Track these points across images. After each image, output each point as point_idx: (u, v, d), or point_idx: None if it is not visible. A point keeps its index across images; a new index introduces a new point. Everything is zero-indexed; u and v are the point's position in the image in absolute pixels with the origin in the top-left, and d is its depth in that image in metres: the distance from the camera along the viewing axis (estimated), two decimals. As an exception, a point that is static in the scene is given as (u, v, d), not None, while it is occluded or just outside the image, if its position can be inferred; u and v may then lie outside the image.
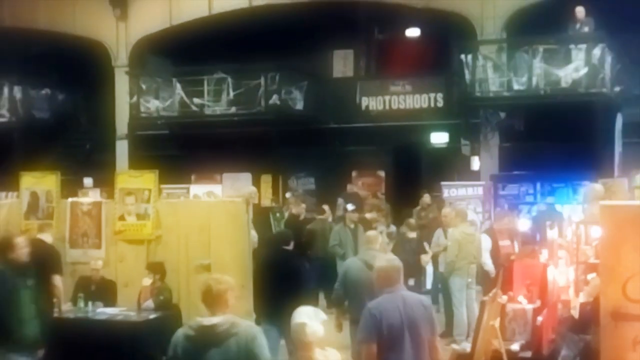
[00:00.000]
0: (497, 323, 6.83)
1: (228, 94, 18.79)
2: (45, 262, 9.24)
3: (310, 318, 5.34)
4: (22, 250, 7.85)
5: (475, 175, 17.93)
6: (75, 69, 20.27)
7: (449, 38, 18.52)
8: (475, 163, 18.34)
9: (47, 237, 10.03)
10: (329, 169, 19.62)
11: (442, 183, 16.69)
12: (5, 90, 20.59)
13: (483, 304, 6.75)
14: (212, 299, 5.24)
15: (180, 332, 5.36)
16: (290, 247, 9.27)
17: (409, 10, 18.58)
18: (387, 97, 19.63)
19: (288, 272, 8.93)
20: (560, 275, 7.90)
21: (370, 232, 9.66)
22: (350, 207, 14.08)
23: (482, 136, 18.02)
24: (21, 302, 7.71)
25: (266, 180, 18.97)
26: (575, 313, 7.11)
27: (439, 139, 19.31)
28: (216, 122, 18.92)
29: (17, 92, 20.68)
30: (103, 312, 9.63)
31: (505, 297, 7.54)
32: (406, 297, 6.22)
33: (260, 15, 18.84)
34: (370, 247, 8.97)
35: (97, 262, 10.18)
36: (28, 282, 7.85)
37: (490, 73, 16.78)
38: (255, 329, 5.43)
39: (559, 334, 7.56)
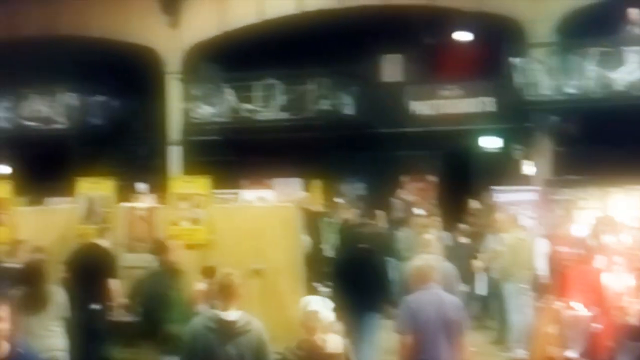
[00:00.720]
0: (553, 330, 6.76)
1: (278, 99, 18.93)
2: (101, 265, 9.45)
3: (321, 306, 5.87)
4: (174, 252, 8.14)
5: (527, 180, 17.73)
6: (129, 76, 20.57)
7: (500, 41, 18.35)
8: (528, 168, 18.14)
9: (103, 242, 10.23)
10: (379, 174, 19.59)
11: (494, 188, 16.55)
12: (62, 97, 21.00)
13: (539, 310, 6.69)
14: (230, 293, 5.46)
15: (199, 323, 5.55)
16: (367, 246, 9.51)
17: (460, 14, 18.48)
18: (437, 102, 19.50)
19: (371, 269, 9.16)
20: (617, 281, 7.79)
21: (426, 236, 9.67)
22: (418, 211, 14.01)
23: (535, 140, 17.82)
24: (172, 303, 7.95)
25: (316, 185, 19.01)
26: (633, 320, 7.00)
27: (491, 143, 19.15)
28: (267, 127, 19.05)
29: (73, 99, 21.07)
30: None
31: (561, 304, 7.46)
32: (442, 296, 6.35)
33: (311, 20, 18.91)
34: (426, 251, 8.93)
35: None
36: (178, 283, 8.12)
37: (543, 76, 16.59)
38: (262, 326, 5.79)
39: (615, 341, 7.45)
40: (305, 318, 5.83)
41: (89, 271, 9.71)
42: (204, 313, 6.17)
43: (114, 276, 9.95)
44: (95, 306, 9.73)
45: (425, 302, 6.39)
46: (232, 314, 5.49)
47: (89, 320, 9.42)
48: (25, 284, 8.22)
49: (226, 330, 5.49)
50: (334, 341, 5.93)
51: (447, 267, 8.73)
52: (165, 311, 7.96)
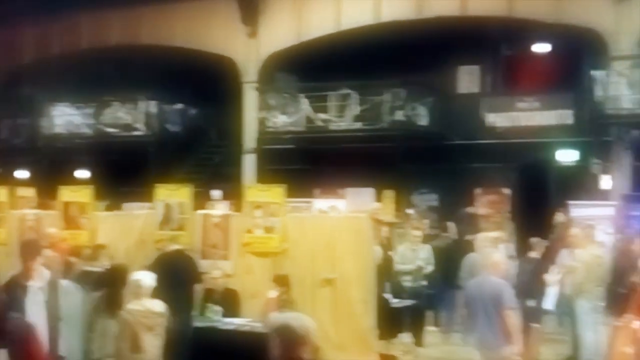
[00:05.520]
0: (630, 350, 6.62)
1: (353, 109, 18.99)
2: (188, 272, 9.63)
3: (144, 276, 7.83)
4: None
5: (605, 195, 17.33)
6: (206, 84, 20.93)
7: (580, 54, 18.03)
8: (606, 182, 17.75)
9: (175, 247, 10.39)
10: (453, 186, 19.43)
11: (570, 202, 16.24)
12: (142, 105, 21.50)
13: (615, 329, 6.56)
14: None
15: None
16: None
17: (539, 25, 18.21)
18: (513, 114, 19.28)
19: None
20: (698, 302, 7.56)
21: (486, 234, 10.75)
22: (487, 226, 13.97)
23: (614, 155, 17.43)
24: None
25: (389, 195, 18.96)
26: None
27: (568, 156, 18.80)
28: (341, 137, 19.13)
29: (153, 106, 21.54)
30: (230, 322, 9.91)
31: (638, 323, 7.30)
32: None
33: (387, 31, 18.92)
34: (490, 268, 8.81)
35: (215, 271, 10.48)
36: None
37: (624, 90, 16.24)
38: None
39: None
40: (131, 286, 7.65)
41: (178, 278, 9.69)
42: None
43: (200, 282, 10.12)
44: (192, 313, 9.86)
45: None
46: None
47: (183, 326, 9.52)
48: (105, 288, 8.45)
49: None
50: (156, 304, 7.75)
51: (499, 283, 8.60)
52: None
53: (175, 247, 10.23)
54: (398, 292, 12.28)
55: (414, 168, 19.35)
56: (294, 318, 4.61)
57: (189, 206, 11.24)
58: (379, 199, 18.59)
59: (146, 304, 7.72)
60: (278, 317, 5.31)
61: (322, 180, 19.65)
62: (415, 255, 12.82)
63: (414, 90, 19.14)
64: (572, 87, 18.43)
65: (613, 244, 14.12)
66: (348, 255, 9.89)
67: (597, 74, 16.41)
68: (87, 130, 22.02)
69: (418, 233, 13.32)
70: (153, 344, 7.69)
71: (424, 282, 12.82)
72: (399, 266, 12.84)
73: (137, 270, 8.50)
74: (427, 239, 13.90)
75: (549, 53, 19.48)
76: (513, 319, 8.19)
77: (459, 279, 12.24)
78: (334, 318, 9.76)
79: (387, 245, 12.71)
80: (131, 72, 20.66)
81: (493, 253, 9.44)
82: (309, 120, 19.41)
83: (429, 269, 12.85)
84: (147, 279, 7.87)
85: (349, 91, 18.95)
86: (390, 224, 15.38)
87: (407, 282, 12.74)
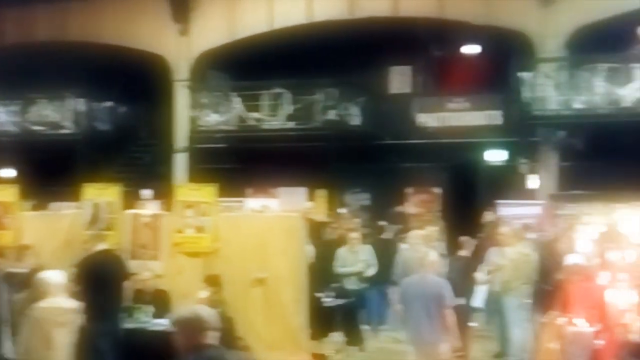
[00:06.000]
0: (556, 346, 6.75)
1: (286, 108, 18.96)
2: (116, 272, 9.45)
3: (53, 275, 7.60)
4: None
5: (532, 195, 17.71)
6: (137, 82, 20.62)
7: (509, 55, 18.34)
8: (533, 182, 18.13)
9: (101, 246, 10.18)
10: (385, 185, 19.57)
11: (499, 201, 16.53)
12: (70, 102, 21.05)
13: (542, 326, 6.69)
14: None
15: None
16: None
17: (468, 27, 18.49)
18: (444, 114, 19.54)
19: None
20: (620, 298, 7.78)
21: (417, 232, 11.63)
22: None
23: (541, 155, 17.81)
24: None
25: (321, 195, 19.00)
26: (635, 337, 6.98)
27: (496, 156, 19.14)
28: (273, 136, 19.07)
29: (81, 104, 21.11)
30: (161, 323, 9.76)
31: (564, 320, 7.46)
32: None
33: (319, 30, 18.95)
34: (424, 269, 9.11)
35: (145, 272, 10.33)
36: None
37: (551, 91, 16.60)
38: None
39: (618, 357, 7.44)
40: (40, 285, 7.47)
41: (106, 278, 9.55)
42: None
43: (128, 281, 9.94)
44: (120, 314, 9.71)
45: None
46: None
47: (111, 327, 9.38)
48: (29, 289, 8.23)
49: None
50: (66, 301, 7.61)
51: (440, 282, 9.03)
52: None
53: (102, 247, 10.03)
54: (341, 295, 12.34)
55: (346, 167, 19.43)
56: (194, 309, 4.86)
57: (118, 206, 11.06)
58: (311, 198, 18.62)
59: (56, 301, 7.55)
60: (178, 311, 5.48)
61: (255, 180, 19.56)
62: (355, 258, 12.77)
63: (347, 90, 19.22)
64: (501, 88, 18.75)
65: (539, 242, 14.44)
66: (280, 254, 9.87)
67: (524, 75, 16.73)
68: (12, 128, 21.45)
69: (356, 235, 13.25)
70: (64, 340, 7.54)
71: (366, 285, 12.77)
72: (340, 269, 12.83)
73: (64, 270, 8.29)
74: (366, 239, 13.94)
75: (479, 54, 19.81)
76: (452, 317, 8.61)
77: (392, 277, 12.33)
78: (266, 317, 9.73)
79: (319, 245, 12.72)
80: (59, 69, 20.18)
81: (430, 251, 9.61)
82: (242, 119, 19.30)
83: (371, 270, 12.78)
84: (55, 276, 7.72)
85: (281, 90, 18.91)
86: (322, 224, 15.42)
87: (350, 284, 12.72)
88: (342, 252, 12.98)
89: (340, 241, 13.50)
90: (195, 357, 4.54)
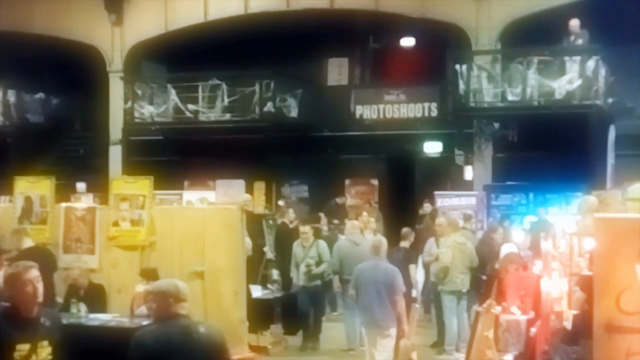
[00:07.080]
0: (490, 334, 6.86)
1: (222, 100, 18.81)
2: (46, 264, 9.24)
3: None
4: None
5: (468, 185, 17.97)
6: (70, 73, 20.25)
7: (444, 48, 18.60)
8: (469, 173, 18.39)
9: (27, 242, 9.94)
10: (323, 177, 19.63)
11: (436, 192, 16.73)
12: (-1, 94, 20.57)
13: (477, 314, 6.78)
14: None
15: None
16: None
17: (405, 20, 18.64)
18: (381, 106, 19.68)
19: None
20: (554, 286, 7.93)
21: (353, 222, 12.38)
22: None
23: (476, 146, 18.07)
24: None
25: (259, 187, 18.93)
26: (568, 324, 7.13)
27: (433, 148, 19.36)
28: (210, 128, 18.93)
29: (11, 96, 20.61)
30: (96, 317, 9.60)
31: (499, 308, 7.58)
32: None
33: (256, 22, 18.87)
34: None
35: (80, 266, 10.15)
36: None
37: (485, 83, 16.84)
38: None
39: (551, 345, 7.59)
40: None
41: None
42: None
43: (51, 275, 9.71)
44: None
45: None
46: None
47: None
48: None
49: None
50: None
51: (392, 269, 9.45)
52: None
53: (28, 244, 9.79)
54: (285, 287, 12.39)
55: (284, 159, 19.42)
56: (172, 281, 5.35)
57: (50, 199, 10.80)
58: (249, 190, 18.50)
59: None
60: (154, 284, 5.98)
61: (192, 172, 19.39)
62: (305, 254, 12.57)
63: (284, 81, 19.18)
64: (436, 81, 18.98)
65: (475, 232, 14.67)
66: (217, 247, 9.78)
67: (460, 68, 16.93)
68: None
69: (306, 229, 12.76)
70: None
71: (317, 282, 12.54)
72: (293, 265, 12.71)
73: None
74: (295, 230, 13.87)
75: (415, 47, 20.00)
76: (403, 303, 9.09)
77: (332, 267, 12.33)
78: (204, 311, 9.62)
79: (258, 237, 12.66)
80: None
81: (382, 238, 9.81)
82: (178, 110, 19.09)
83: (323, 266, 12.37)
84: None
85: (218, 82, 18.76)
86: (260, 216, 15.38)
87: (300, 281, 12.59)
88: (294, 247, 12.81)
89: (295, 234, 13.30)
90: (170, 324, 5.05)
